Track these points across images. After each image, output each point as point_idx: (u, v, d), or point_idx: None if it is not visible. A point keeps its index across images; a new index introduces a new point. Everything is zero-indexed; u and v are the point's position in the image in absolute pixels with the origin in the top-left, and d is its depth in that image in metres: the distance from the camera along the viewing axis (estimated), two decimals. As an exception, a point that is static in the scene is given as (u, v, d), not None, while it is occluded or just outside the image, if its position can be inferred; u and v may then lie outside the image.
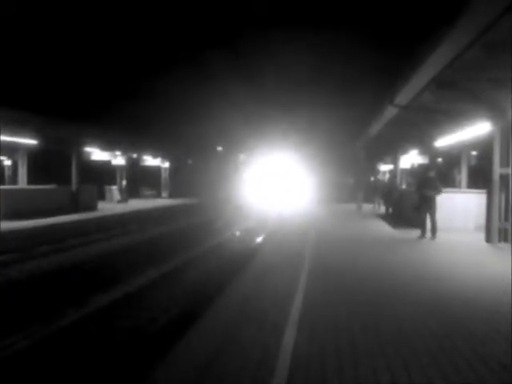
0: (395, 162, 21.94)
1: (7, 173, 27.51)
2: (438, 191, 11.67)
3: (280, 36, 20.26)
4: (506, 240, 10.58)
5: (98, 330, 6.26)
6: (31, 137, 19.01)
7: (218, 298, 6.07)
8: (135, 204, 26.80)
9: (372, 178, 30.18)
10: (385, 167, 29.35)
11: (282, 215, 20.13)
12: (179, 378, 3.64)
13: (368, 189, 25.81)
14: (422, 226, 11.81)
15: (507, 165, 10.51)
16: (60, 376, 4.85)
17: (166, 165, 35.79)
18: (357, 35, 20.43)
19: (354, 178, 29.54)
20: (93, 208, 22.23)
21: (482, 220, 11.38)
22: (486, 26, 5.98)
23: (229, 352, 4.00)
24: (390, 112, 14.25)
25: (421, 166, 21.03)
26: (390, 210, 19.65)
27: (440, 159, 22.25)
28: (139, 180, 35.05)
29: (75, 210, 20.06)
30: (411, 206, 13.08)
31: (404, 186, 21.72)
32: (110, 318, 6.79)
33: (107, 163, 28.73)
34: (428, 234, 11.66)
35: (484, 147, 12.09)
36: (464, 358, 3.85)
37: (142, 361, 5.03)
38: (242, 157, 41.05)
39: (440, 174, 12.72)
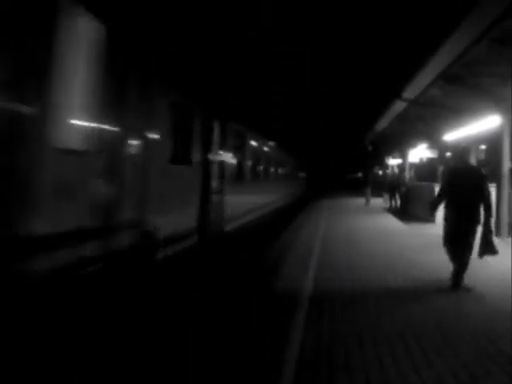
0: (403, 156, 21.85)
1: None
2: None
3: (285, 29, 20.19)
4: (514, 234, 10.51)
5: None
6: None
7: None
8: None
9: (380, 173, 30.11)
10: (394, 161, 29.15)
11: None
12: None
13: (376, 183, 25.76)
14: None
15: (516, 159, 10.48)
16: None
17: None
18: (365, 30, 20.36)
19: (362, 172, 29.49)
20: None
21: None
22: (493, 21, 5.99)
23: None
24: (398, 106, 14.24)
25: (430, 160, 20.83)
26: (398, 204, 19.67)
27: (449, 153, 22.05)
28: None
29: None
30: (427, 201, 12.62)
31: (408, 180, 21.54)
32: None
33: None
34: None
35: (493, 141, 11.98)
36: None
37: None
38: None
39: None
